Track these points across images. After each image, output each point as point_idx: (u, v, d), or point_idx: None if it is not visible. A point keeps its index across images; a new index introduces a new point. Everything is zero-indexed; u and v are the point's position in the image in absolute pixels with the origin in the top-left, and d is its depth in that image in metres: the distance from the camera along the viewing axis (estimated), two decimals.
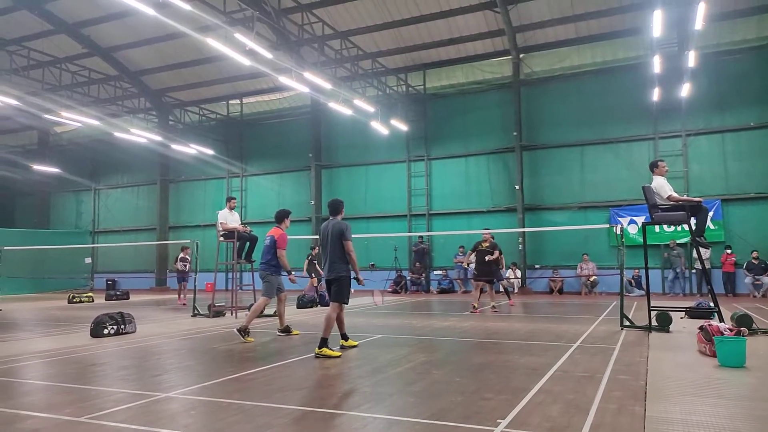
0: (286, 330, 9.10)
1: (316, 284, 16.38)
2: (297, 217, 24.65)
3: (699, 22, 14.19)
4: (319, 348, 6.91)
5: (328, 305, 7.39)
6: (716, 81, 18.62)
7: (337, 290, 7.22)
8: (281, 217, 9.12)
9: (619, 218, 19.08)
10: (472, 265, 13.93)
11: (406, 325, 10.69)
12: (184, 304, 16.17)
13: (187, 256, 18.02)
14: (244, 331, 8.38)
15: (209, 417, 4.38)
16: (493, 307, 13.19)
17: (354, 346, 7.60)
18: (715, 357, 6.18)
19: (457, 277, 21.57)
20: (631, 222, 18.97)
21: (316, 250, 18.78)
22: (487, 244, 13.11)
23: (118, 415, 4.39)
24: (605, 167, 20.12)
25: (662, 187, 8.75)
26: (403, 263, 22.71)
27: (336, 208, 7.48)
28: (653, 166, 9.05)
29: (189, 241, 17.02)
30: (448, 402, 4.69)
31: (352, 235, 7.32)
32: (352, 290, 7.73)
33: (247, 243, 12.37)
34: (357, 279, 7.31)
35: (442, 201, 22.59)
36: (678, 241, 18.45)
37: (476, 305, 12.96)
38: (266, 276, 8.80)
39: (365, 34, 21.42)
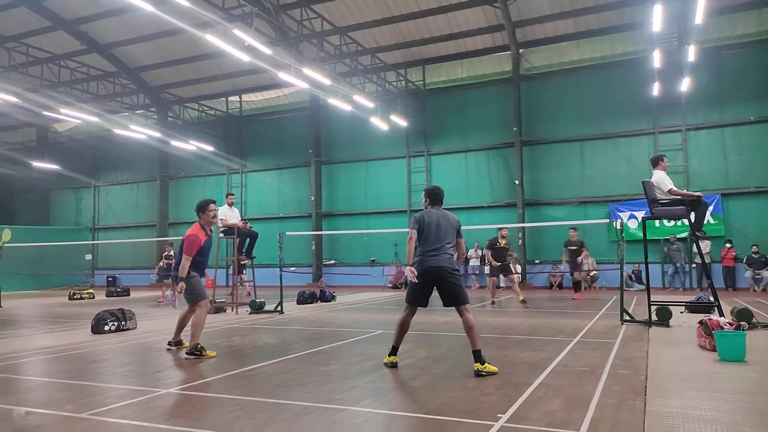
0: (179, 343, 7.45)
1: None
2: (297, 213, 24.76)
3: (699, 17, 14.14)
4: (482, 364, 5.48)
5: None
6: (716, 75, 18.57)
7: (461, 288, 5.87)
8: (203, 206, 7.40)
9: (619, 213, 19.04)
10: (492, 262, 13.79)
11: None
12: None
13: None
14: (197, 350, 6.73)
15: (210, 412, 4.39)
16: (523, 301, 13.15)
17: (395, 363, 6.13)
18: (715, 351, 6.20)
19: (471, 272, 21.50)
20: (631, 217, 18.96)
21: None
22: (504, 242, 13.47)
23: (119, 411, 4.41)
24: (605, 162, 20.12)
25: (663, 181, 8.73)
26: (404, 259, 22.64)
27: (441, 196, 6.23)
28: (658, 160, 9.00)
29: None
30: (448, 397, 4.71)
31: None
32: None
33: (248, 239, 12.52)
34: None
35: None
36: (678, 236, 18.46)
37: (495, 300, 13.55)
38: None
39: (364, 29, 21.38)
